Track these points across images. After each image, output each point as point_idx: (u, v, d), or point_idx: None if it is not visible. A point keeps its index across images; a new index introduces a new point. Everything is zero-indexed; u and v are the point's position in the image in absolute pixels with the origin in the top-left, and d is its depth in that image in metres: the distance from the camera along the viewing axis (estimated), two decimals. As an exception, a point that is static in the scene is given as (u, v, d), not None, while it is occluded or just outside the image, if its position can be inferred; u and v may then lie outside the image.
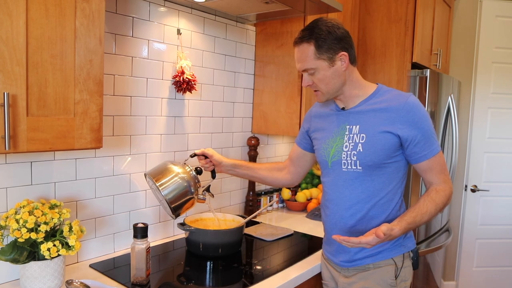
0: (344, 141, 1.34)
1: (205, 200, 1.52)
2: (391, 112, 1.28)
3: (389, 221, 1.32)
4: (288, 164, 1.61)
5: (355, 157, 1.30)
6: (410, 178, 2.41)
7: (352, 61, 1.32)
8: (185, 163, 1.50)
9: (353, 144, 1.31)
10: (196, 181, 1.48)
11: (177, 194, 1.41)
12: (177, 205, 1.42)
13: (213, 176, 1.57)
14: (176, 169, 1.45)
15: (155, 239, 1.72)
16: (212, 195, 1.59)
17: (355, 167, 1.31)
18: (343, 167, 1.34)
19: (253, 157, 2.17)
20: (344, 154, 1.33)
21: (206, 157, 1.55)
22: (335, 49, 1.27)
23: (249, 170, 1.60)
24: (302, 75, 1.36)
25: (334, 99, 1.39)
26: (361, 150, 1.29)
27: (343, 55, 1.28)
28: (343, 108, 1.38)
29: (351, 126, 1.34)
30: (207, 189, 1.57)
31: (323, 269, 1.50)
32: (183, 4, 1.72)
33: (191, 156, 1.55)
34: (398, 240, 1.35)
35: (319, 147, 1.43)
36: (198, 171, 1.51)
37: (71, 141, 1.08)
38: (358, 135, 1.31)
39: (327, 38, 1.25)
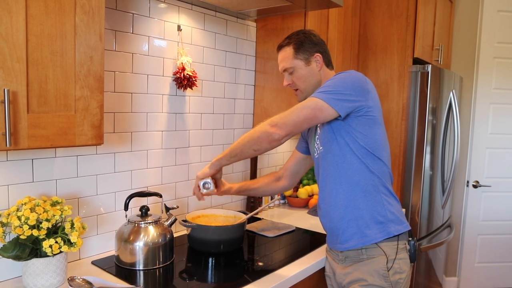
0: (317, 135, 1.46)
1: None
2: None
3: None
4: (285, 172, 1.68)
5: (318, 140, 1.43)
6: (411, 174, 2.41)
7: (327, 64, 1.47)
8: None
9: (318, 132, 1.45)
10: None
11: None
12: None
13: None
14: None
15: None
16: (177, 206, 1.62)
17: (318, 147, 1.43)
18: (314, 155, 1.46)
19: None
20: (316, 144, 1.46)
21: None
22: (310, 51, 1.43)
23: (251, 191, 1.69)
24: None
25: None
26: (319, 132, 1.42)
27: (318, 56, 1.44)
28: None
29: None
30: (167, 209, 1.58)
31: (326, 261, 1.55)
32: (183, 0, 1.72)
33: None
34: (380, 220, 1.33)
35: (310, 148, 1.54)
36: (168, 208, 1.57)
37: (72, 137, 1.08)
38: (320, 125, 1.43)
39: (304, 41, 1.43)
